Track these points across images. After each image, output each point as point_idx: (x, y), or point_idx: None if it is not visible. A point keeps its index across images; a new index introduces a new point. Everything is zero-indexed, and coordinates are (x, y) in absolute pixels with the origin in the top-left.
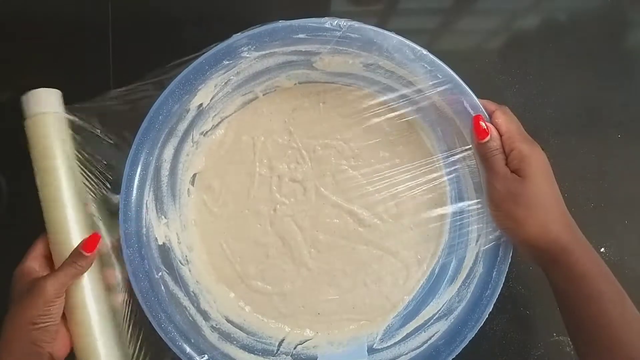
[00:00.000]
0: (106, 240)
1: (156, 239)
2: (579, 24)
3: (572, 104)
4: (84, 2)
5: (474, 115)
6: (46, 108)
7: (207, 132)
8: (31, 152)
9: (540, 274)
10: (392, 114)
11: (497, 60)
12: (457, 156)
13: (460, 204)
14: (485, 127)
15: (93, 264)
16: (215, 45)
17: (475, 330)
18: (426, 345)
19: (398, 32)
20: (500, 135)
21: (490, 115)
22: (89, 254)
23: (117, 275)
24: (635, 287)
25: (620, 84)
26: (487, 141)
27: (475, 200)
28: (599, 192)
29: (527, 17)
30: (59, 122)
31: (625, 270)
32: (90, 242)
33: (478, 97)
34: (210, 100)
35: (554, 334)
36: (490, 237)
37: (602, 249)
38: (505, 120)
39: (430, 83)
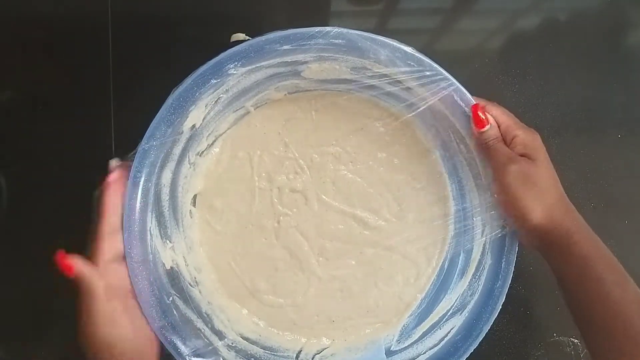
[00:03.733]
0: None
1: (163, 264)
2: (579, 24)
3: (572, 104)
4: (84, 2)
5: (471, 105)
6: None
7: (202, 152)
8: None
9: (540, 274)
10: (385, 115)
11: (497, 60)
12: (454, 150)
13: (462, 197)
14: (484, 117)
15: None
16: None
17: (490, 323)
18: (443, 342)
19: (398, 32)
20: (498, 126)
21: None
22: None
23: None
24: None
25: (620, 84)
26: (487, 129)
27: (477, 192)
28: (599, 192)
29: (527, 17)
30: None
31: (625, 270)
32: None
33: (478, 96)
34: (203, 120)
35: (554, 334)
36: (496, 227)
37: None
38: (500, 111)
39: (420, 81)
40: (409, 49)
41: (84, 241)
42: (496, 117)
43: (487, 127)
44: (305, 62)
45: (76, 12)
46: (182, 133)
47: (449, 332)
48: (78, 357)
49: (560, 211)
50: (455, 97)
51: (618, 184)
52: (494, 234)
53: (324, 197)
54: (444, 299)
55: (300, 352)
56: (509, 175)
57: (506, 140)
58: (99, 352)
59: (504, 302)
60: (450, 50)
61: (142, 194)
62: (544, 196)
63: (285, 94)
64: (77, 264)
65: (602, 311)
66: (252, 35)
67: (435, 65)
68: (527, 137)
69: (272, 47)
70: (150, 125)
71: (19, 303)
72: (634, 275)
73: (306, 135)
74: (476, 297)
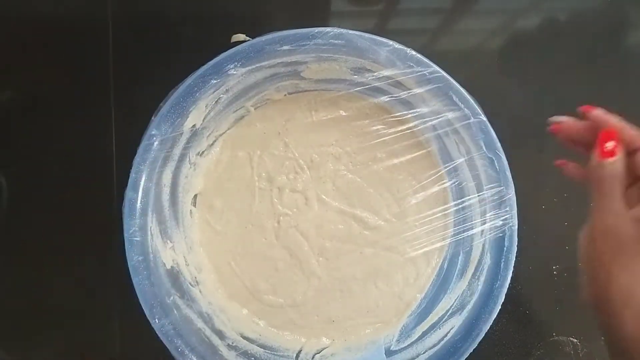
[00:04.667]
0: None
1: (164, 264)
2: (579, 24)
3: (572, 104)
4: (84, 2)
5: (602, 131)
6: None
7: (203, 152)
8: None
9: (540, 274)
10: (384, 115)
11: (497, 60)
12: (454, 150)
13: (462, 198)
14: (612, 148)
15: None
16: (202, 66)
17: (490, 323)
18: (443, 342)
19: (398, 33)
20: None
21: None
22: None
23: None
24: None
25: (620, 84)
26: (613, 162)
27: (476, 193)
28: None
29: (527, 17)
30: None
31: None
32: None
33: (478, 96)
34: (203, 121)
35: (554, 334)
36: (495, 227)
37: None
38: (620, 125)
39: (420, 82)
40: (408, 50)
41: (84, 241)
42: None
43: (614, 159)
44: (305, 63)
45: (76, 12)
46: (182, 133)
47: (448, 332)
48: (78, 357)
49: None
50: (455, 98)
51: None
52: (493, 234)
53: (324, 197)
54: (444, 299)
55: (300, 352)
56: (595, 229)
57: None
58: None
59: (503, 302)
60: (450, 50)
61: (142, 194)
62: None
63: (285, 94)
64: None
65: None
66: (252, 35)
67: (435, 65)
68: None
69: (272, 48)
70: (151, 125)
71: (19, 303)
72: None
73: (306, 135)
74: (476, 297)
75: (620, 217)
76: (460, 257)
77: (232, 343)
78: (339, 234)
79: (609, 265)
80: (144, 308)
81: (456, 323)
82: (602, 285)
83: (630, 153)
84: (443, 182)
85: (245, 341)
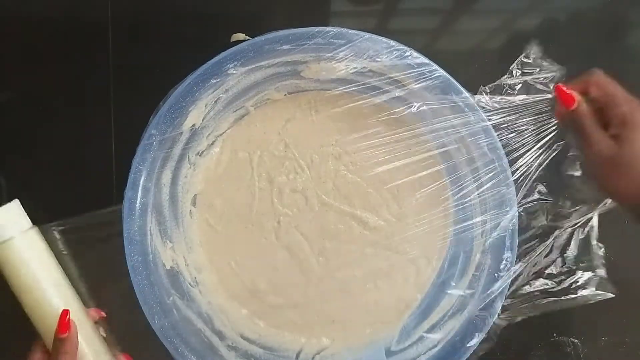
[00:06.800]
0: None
1: (163, 264)
2: (579, 24)
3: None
4: (84, 2)
5: (555, 85)
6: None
7: (202, 152)
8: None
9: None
10: (385, 115)
11: (497, 60)
12: (454, 149)
13: (462, 197)
14: (569, 93)
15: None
16: (202, 65)
17: (490, 324)
18: (443, 342)
19: (398, 32)
20: (598, 99)
21: (587, 87)
22: (64, 335)
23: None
24: (636, 287)
25: (620, 84)
26: (578, 106)
27: (477, 192)
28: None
29: (527, 17)
30: (24, 243)
31: (625, 270)
32: (62, 323)
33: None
34: (203, 120)
35: (554, 334)
36: (495, 227)
37: (602, 249)
38: (603, 80)
39: (420, 81)
40: (408, 49)
41: (84, 241)
42: (599, 87)
43: (575, 104)
44: (305, 62)
45: (76, 12)
46: (181, 133)
47: (448, 333)
48: None
49: None
50: (455, 98)
51: None
52: (494, 234)
53: (324, 197)
54: (444, 299)
55: (300, 352)
56: (590, 160)
57: (607, 114)
58: None
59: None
60: (450, 50)
61: (142, 193)
62: (635, 177)
63: (285, 94)
64: None
65: None
66: (252, 35)
67: (435, 65)
68: (627, 113)
69: (272, 47)
70: (150, 125)
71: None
72: (634, 275)
73: (306, 135)
74: (476, 297)
75: (603, 146)
76: (460, 257)
77: (232, 343)
78: (339, 234)
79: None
80: (143, 308)
81: (456, 324)
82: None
83: (609, 116)
84: (443, 181)
85: (245, 341)
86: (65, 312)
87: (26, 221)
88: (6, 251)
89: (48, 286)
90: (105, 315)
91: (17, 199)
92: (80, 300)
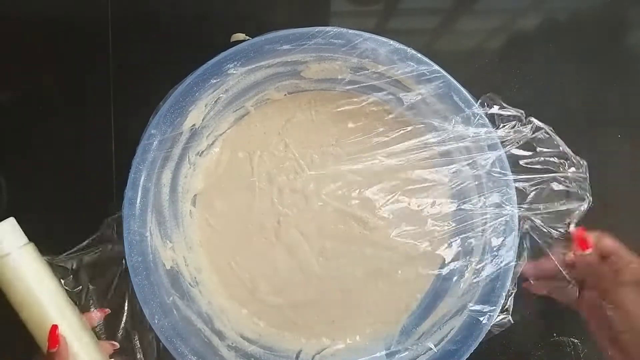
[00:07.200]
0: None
1: (163, 264)
2: (579, 24)
3: (572, 104)
4: (84, 2)
5: (577, 228)
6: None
7: (202, 152)
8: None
9: None
10: (385, 115)
11: (497, 60)
12: (454, 149)
13: (462, 198)
14: (588, 240)
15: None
16: (202, 65)
17: (491, 324)
18: (443, 342)
19: (398, 32)
20: (608, 256)
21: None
22: (54, 349)
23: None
24: None
25: (620, 84)
26: (590, 253)
27: (477, 193)
28: (598, 192)
29: (527, 17)
30: (21, 259)
31: None
32: (51, 337)
33: (477, 96)
34: (203, 120)
35: (554, 334)
36: (496, 227)
37: None
38: (611, 240)
39: (420, 81)
40: (408, 49)
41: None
42: (607, 245)
43: (590, 250)
44: (305, 62)
45: (76, 12)
46: (181, 133)
47: (449, 333)
48: None
49: None
50: (455, 98)
51: (618, 184)
52: (493, 234)
53: (324, 197)
54: (444, 299)
55: (300, 352)
56: (624, 294)
57: (616, 267)
58: None
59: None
60: (450, 50)
61: (142, 193)
62: None
63: (285, 94)
64: None
65: None
66: (252, 35)
67: (435, 65)
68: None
69: (272, 47)
70: (150, 125)
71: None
72: None
73: (306, 135)
74: (476, 297)
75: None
76: (460, 257)
77: (232, 344)
78: (339, 234)
79: None
80: (143, 308)
81: (456, 324)
82: None
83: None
84: (444, 181)
85: (245, 342)
86: (54, 327)
87: (22, 237)
88: (3, 268)
89: (45, 300)
90: (109, 311)
91: (12, 217)
92: (77, 311)
